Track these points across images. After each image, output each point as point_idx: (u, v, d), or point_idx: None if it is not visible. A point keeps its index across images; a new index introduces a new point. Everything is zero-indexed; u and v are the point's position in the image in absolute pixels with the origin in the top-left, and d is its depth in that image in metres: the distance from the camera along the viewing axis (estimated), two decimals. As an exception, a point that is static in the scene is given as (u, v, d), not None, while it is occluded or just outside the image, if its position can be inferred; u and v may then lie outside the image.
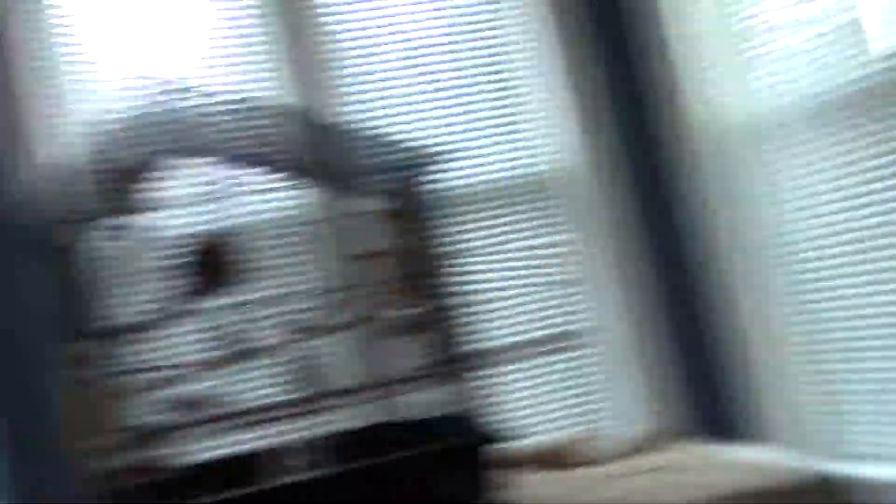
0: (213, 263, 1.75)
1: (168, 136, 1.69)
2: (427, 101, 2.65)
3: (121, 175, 1.61)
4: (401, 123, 2.58)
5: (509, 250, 2.68)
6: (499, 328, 2.66)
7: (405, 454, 1.55)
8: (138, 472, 1.55)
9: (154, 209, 1.67)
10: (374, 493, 1.51)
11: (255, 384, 1.79)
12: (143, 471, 1.56)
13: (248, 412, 1.73)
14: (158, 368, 1.74)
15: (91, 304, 1.71)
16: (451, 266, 1.80)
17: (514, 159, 2.72)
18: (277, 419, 1.75)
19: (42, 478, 2.07)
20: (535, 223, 2.71)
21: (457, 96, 2.68)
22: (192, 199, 1.73)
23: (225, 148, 1.74)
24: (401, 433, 1.72)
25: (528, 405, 2.63)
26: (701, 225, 2.67)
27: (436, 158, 1.75)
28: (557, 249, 2.72)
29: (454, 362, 1.80)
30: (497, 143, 2.70)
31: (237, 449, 1.79)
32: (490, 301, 2.66)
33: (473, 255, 2.60)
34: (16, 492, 2.09)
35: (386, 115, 2.59)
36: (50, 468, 2.06)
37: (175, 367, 1.76)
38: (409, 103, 2.63)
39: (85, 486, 1.44)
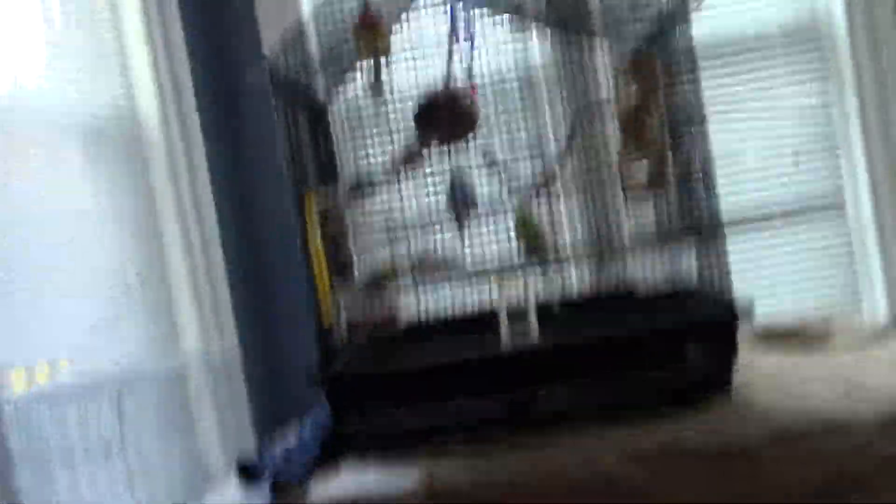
0: (449, 116, 1.68)
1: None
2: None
3: (370, 27, 1.54)
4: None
5: (759, 108, 2.46)
6: (744, 193, 2.48)
7: (650, 327, 1.45)
8: (374, 325, 1.55)
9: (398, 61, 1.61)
10: (616, 366, 1.43)
11: (485, 242, 1.72)
12: (379, 323, 1.56)
13: (477, 271, 1.68)
14: (394, 223, 1.73)
15: (342, 157, 1.72)
16: (698, 124, 1.63)
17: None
18: (506, 278, 1.68)
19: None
20: (791, 77, 2.47)
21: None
22: (436, 49, 1.65)
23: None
24: (643, 304, 1.61)
25: (775, 279, 2.48)
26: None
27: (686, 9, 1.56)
28: (811, 108, 2.47)
29: (697, 229, 1.65)
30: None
31: (468, 309, 1.75)
32: (736, 165, 2.47)
33: (722, 113, 2.41)
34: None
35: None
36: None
37: (410, 222, 1.74)
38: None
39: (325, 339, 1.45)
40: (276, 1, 2.29)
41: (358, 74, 1.60)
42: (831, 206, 2.48)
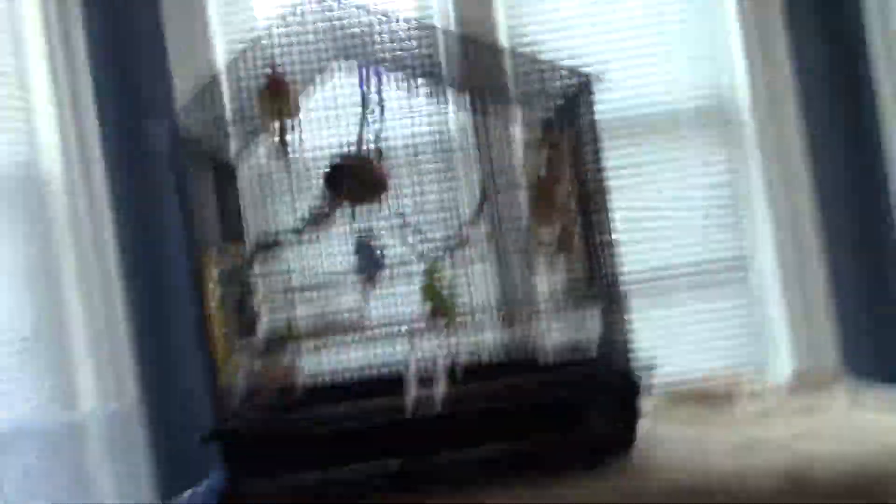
0: (358, 179, 1.68)
1: (326, 47, 1.62)
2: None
3: (275, 89, 1.54)
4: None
5: (669, 178, 2.54)
6: (648, 258, 2.54)
7: (554, 393, 1.46)
8: (274, 386, 1.52)
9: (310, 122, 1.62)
10: (519, 430, 1.44)
11: (392, 303, 1.72)
12: (279, 384, 1.53)
13: (383, 333, 1.67)
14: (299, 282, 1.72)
15: (248, 218, 1.70)
16: (603, 194, 1.67)
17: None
18: (411, 336, 1.68)
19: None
20: (699, 149, 2.55)
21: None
22: (344, 114, 1.67)
23: (381, 61, 1.66)
24: (548, 368, 1.63)
25: (676, 340, 2.53)
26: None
27: (597, 84, 1.61)
28: (718, 178, 2.56)
29: (601, 294, 1.68)
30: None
31: (373, 371, 1.74)
32: (641, 230, 2.53)
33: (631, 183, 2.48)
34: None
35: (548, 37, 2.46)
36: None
37: (316, 281, 1.72)
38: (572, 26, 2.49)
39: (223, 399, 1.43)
40: (189, 56, 2.28)
41: (267, 134, 1.59)
42: (737, 270, 2.56)
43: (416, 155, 1.81)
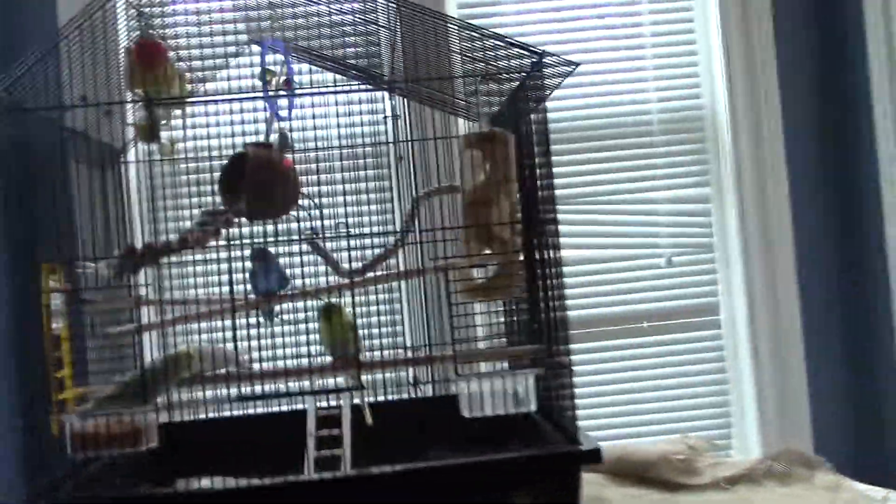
0: (260, 184, 1.38)
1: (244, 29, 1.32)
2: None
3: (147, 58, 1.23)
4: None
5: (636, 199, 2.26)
6: (596, 298, 2.26)
7: (477, 459, 1.17)
8: (115, 439, 1.20)
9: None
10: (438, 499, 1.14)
11: (289, 338, 1.40)
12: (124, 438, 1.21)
13: (272, 371, 1.36)
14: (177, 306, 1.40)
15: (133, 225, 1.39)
16: (551, 222, 1.38)
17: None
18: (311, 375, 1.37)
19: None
20: (670, 170, 2.28)
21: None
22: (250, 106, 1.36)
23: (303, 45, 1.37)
24: (473, 426, 1.32)
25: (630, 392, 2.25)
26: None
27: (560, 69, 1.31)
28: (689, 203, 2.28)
29: (541, 343, 1.39)
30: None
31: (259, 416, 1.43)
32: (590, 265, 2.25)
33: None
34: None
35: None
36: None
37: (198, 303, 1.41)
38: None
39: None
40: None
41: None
42: (706, 314, 2.28)
43: (333, 160, 1.50)
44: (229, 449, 1.36)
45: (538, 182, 1.37)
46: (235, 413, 1.43)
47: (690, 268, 2.27)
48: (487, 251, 1.43)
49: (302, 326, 1.38)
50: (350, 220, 1.40)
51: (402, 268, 1.49)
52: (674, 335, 2.25)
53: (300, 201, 1.45)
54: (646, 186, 2.25)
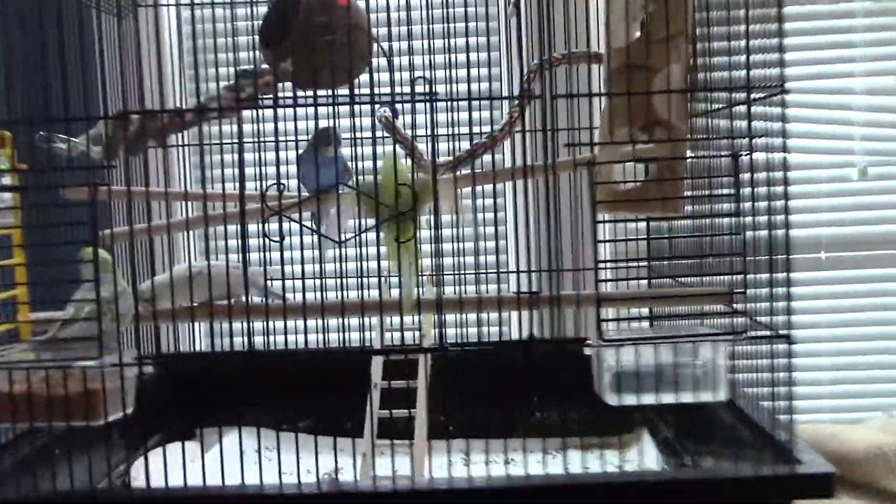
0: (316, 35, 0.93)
1: None
2: None
3: None
4: None
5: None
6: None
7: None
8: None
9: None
10: None
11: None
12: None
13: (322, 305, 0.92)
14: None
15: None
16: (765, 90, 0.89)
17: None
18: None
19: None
20: None
21: None
22: None
23: None
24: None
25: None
26: None
27: None
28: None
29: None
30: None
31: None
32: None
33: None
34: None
35: None
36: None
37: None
38: None
39: None
40: None
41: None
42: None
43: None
44: (253, 394, 0.94)
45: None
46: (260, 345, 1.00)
47: (890, 183, 1.71)
48: (644, 139, 0.94)
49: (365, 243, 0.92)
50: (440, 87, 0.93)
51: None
52: (862, 270, 1.71)
53: (370, 59, 1.00)
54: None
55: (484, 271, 1.16)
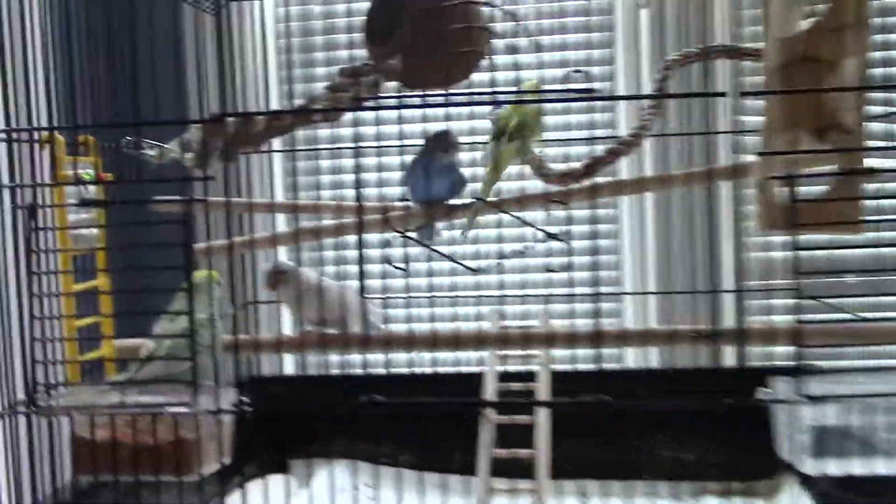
0: (433, 28, 0.82)
1: None
2: None
3: None
4: None
5: None
6: None
7: None
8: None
9: None
10: None
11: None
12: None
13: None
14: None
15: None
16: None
17: None
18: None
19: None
20: None
21: None
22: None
23: None
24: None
25: None
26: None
27: None
28: None
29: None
30: None
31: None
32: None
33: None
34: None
35: None
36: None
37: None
38: None
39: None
40: None
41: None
42: None
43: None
44: (351, 427, 0.84)
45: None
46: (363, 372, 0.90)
47: None
48: (816, 146, 0.80)
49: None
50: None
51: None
52: None
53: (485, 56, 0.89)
54: None
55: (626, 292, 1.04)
